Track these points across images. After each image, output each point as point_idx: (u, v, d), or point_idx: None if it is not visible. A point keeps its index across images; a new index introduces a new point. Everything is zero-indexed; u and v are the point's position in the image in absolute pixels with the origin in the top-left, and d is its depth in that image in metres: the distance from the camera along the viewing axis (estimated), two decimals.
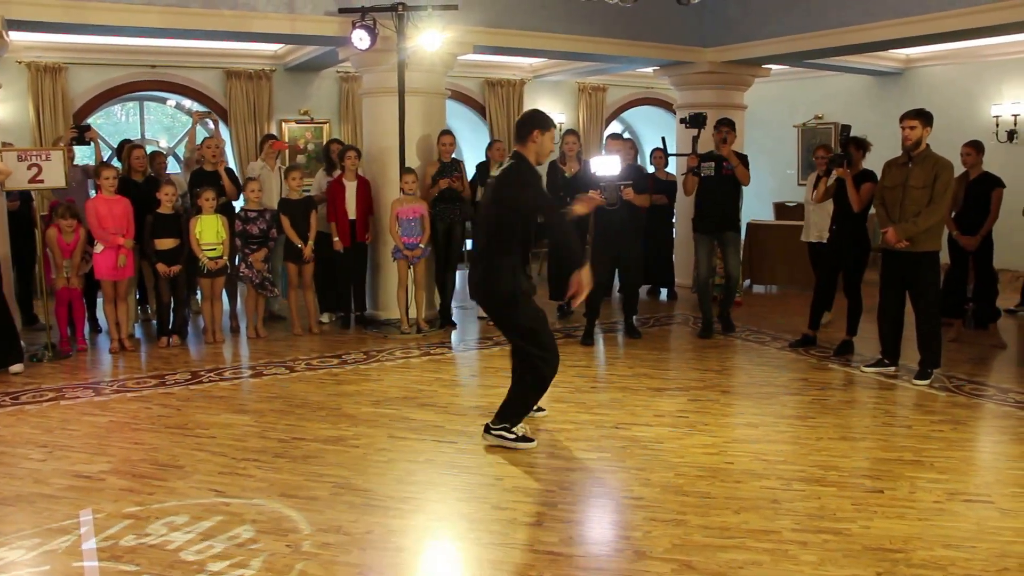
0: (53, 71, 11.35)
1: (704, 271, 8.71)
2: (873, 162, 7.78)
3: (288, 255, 8.87)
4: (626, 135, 17.03)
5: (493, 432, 5.51)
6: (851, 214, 7.66)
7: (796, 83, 15.09)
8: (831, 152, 9.18)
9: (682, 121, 9.09)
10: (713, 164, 8.55)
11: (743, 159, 8.60)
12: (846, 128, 7.91)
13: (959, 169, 7.67)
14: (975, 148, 8.20)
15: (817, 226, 8.93)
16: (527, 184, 5.24)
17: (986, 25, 8.40)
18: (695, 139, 9.31)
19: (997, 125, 12.20)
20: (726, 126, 8.54)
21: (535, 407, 5.87)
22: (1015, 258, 11.36)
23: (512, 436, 5.48)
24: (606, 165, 8.10)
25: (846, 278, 7.99)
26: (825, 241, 8.52)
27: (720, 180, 8.55)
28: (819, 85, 14.81)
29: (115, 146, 12.41)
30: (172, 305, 8.52)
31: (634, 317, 9.13)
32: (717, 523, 4.36)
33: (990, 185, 8.15)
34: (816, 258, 8.95)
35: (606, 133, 16.19)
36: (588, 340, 8.59)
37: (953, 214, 8.21)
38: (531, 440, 5.51)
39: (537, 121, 5.34)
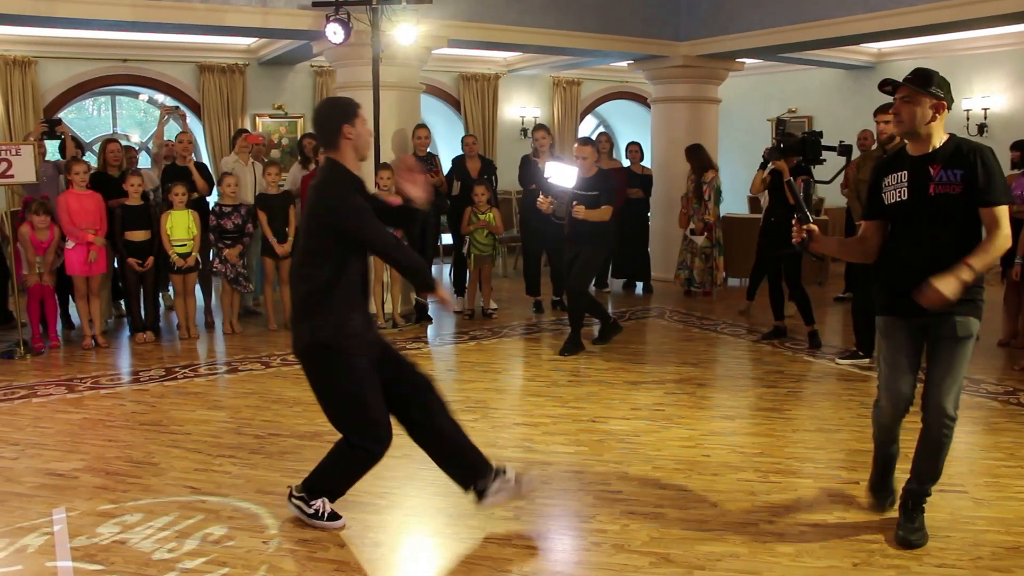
0: (22, 65, 11.21)
1: (891, 402, 4.17)
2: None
3: (265, 250, 8.82)
4: (601, 130, 17.06)
5: (293, 499, 4.31)
6: (788, 206, 7.61)
7: (769, 77, 15.17)
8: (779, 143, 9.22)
9: (793, 161, 5.92)
10: (906, 175, 3.93)
11: (983, 157, 3.81)
12: (782, 122, 7.80)
13: None
14: None
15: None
16: (340, 201, 3.90)
17: (957, 19, 8.48)
18: (804, 192, 5.18)
19: (968, 119, 12.31)
20: (902, 93, 3.92)
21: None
22: None
23: (312, 511, 4.24)
24: (562, 174, 7.63)
25: (786, 270, 8.02)
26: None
27: (926, 206, 3.87)
28: (792, 79, 14.89)
29: (87, 141, 12.31)
30: (143, 299, 8.45)
31: (582, 328, 8.07)
32: (695, 516, 4.38)
33: None
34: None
35: (583, 132, 16.27)
36: (568, 350, 7.88)
37: None
38: (338, 519, 4.26)
39: (340, 112, 4.01)
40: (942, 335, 3.93)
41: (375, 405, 4.03)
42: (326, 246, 3.91)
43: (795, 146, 5.05)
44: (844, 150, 5.19)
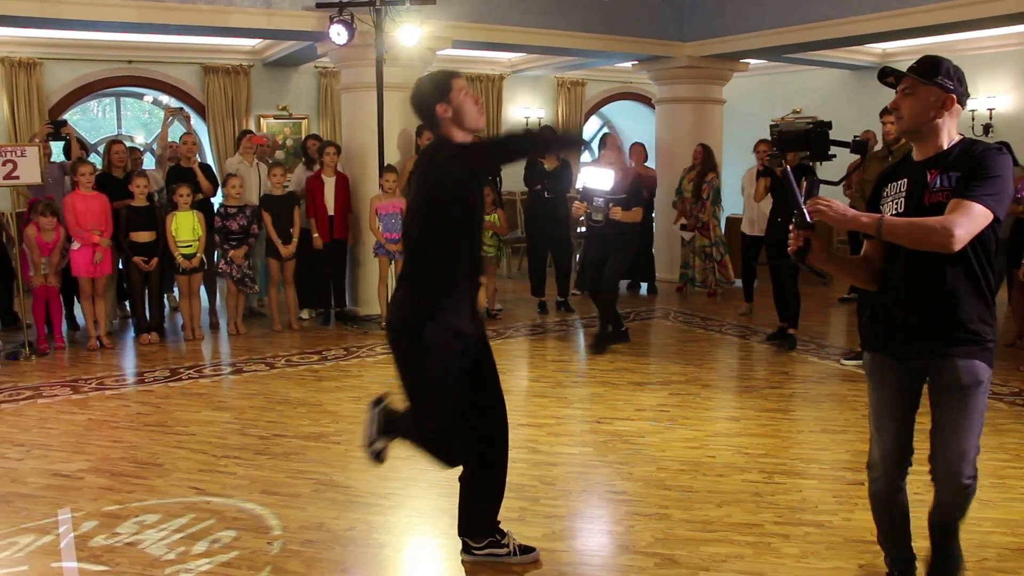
0: (28, 66, 11.22)
1: (883, 458, 3.47)
2: (848, 155, 7.80)
3: (270, 251, 8.83)
4: (605, 131, 17.06)
5: (373, 409, 3.91)
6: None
7: (774, 77, 15.14)
8: (772, 147, 9.22)
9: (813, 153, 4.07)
10: (906, 184, 3.29)
11: (985, 155, 3.10)
12: (776, 126, 7.65)
13: None
14: None
15: (760, 220, 8.83)
16: (454, 156, 3.55)
17: (962, 19, 8.47)
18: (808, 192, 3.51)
19: (973, 119, 12.28)
20: (904, 85, 3.26)
21: None
22: None
23: (374, 432, 3.88)
24: (598, 178, 7.80)
25: (784, 274, 7.97)
26: (763, 234, 8.49)
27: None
28: (796, 79, 14.86)
29: (92, 142, 12.35)
30: (147, 300, 8.47)
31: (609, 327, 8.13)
32: (700, 517, 4.37)
33: None
34: (752, 250, 8.96)
35: (587, 133, 16.27)
36: (602, 345, 8.02)
37: None
38: (381, 451, 3.87)
39: (430, 93, 3.63)
40: (943, 384, 3.23)
41: (447, 399, 3.70)
42: (432, 225, 3.59)
43: (797, 138, 3.81)
44: (858, 147, 4.05)
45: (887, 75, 3.27)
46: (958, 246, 2.97)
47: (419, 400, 3.69)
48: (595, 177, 7.84)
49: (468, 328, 3.72)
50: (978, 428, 3.22)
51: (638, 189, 8.09)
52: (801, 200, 3.31)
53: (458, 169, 3.50)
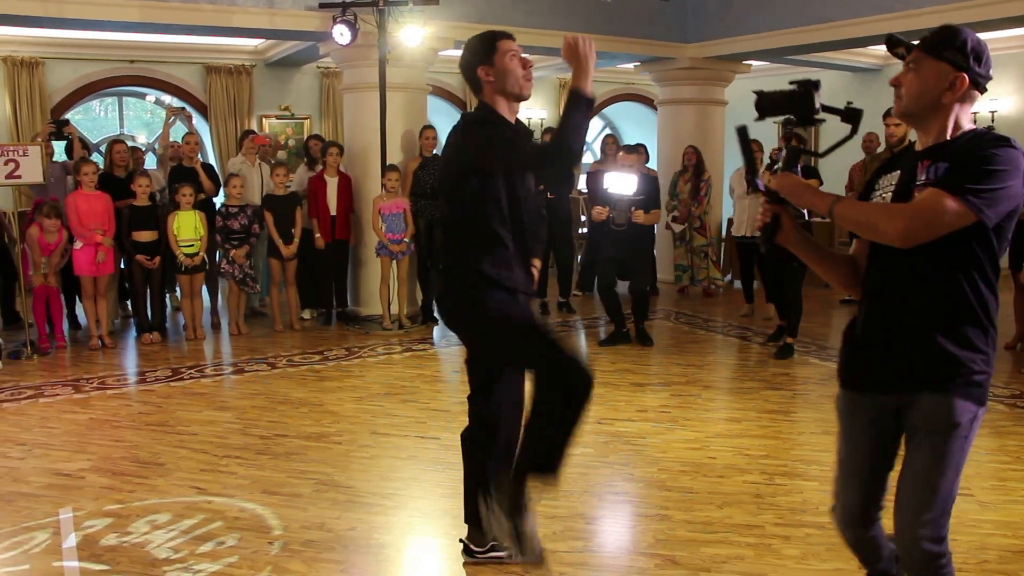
0: (30, 66, 11.24)
1: (842, 514, 2.95)
2: (851, 156, 7.80)
3: (272, 251, 8.85)
4: (607, 132, 17.07)
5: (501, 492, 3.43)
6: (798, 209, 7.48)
7: (776, 79, 15.09)
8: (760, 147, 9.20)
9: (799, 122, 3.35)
10: (897, 176, 2.75)
11: (981, 146, 2.59)
12: (789, 121, 7.54)
13: None
14: None
15: (752, 221, 8.78)
16: (493, 135, 3.42)
17: (967, 22, 8.43)
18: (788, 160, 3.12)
19: (975, 122, 12.29)
20: (910, 58, 2.67)
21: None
22: None
23: (529, 532, 3.43)
24: (621, 183, 7.93)
25: (788, 276, 7.79)
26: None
27: None
28: None
29: (94, 142, 12.36)
30: (149, 299, 8.48)
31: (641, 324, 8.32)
32: (700, 518, 4.37)
33: None
34: (743, 251, 8.95)
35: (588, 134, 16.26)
36: (644, 341, 8.24)
37: None
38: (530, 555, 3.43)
39: (474, 55, 3.53)
40: (911, 424, 2.63)
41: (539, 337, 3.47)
42: (477, 188, 3.40)
43: (779, 100, 3.22)
44: (851, 115, 3.41)
45: (896, 44, 2.69)
46: (903, 241, 2.44)
47: (520, 354, 3.50)
48: (618, 182, 7.96)
49: (524, 289, 3.54)
50: (949, 483, 2.59)
51: (656, 191, 8.29)
52: (755, 163, 2.96)
53: (501, 148, 3.37)
